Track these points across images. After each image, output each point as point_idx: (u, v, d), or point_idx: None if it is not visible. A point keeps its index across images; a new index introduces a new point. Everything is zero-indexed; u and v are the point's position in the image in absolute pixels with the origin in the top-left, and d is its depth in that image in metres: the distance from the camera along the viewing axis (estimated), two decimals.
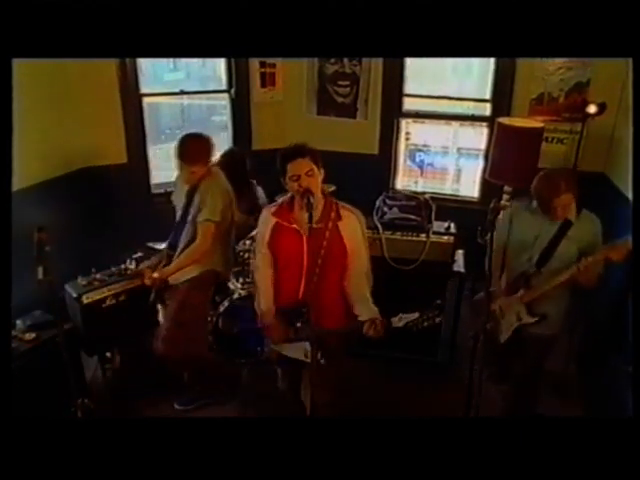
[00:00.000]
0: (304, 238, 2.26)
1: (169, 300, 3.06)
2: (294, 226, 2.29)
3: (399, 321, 2.18)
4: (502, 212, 2.69)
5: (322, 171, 2.24)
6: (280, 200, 2.42)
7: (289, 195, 2.35)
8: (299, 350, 2.30)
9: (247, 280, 3.49)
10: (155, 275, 2.90)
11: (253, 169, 3.72)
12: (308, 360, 2.20)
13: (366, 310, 2.28)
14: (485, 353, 2.28)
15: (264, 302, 2.44)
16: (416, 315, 2.17)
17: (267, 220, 2.38)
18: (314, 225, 2.14)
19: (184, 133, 2.96)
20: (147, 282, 2.91)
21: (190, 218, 2.89)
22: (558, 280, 2.46)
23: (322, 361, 2.26)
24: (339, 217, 2.30)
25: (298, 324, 2.33)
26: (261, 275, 2.45)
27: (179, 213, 3.00)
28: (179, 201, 3.01)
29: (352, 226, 2.32)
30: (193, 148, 2.81)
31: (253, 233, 3.20)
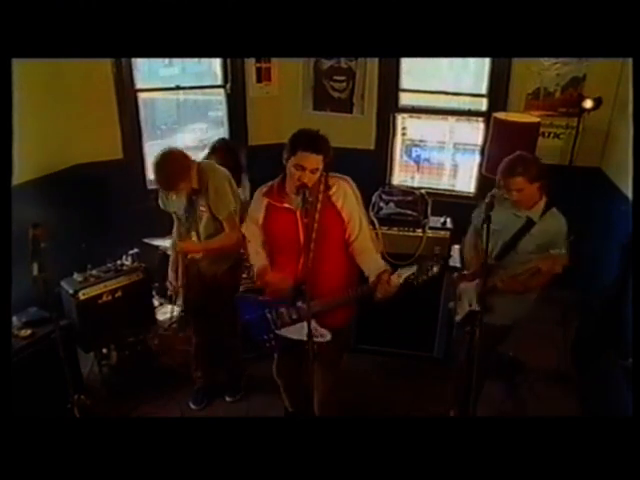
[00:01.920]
0: (297, 215, 2.25)
1: (210, 294, 2.99)
2: (286, 205, 2.29)
3: (398, 278, 2.16)
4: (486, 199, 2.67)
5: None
6: (270, 183, 2.39)
7: (280, 177, 2.34)
8: (302, 331, 2.24)
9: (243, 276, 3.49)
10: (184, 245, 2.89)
11: (247, 161, 3.70)
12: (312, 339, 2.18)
13: (374, 266, 2.26)
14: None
15: (259, 260, 2.43)
16: (414, 268, 2.15)
17: (259, 201, 2.38)
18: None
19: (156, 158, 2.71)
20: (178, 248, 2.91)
21: (202, 216, 2.82)
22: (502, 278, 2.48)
23: (328, 337, 2.27)
24: (328, 186, 2.27)
25: (299, 303, 2.32)
26: (252, 244, 2.47)
27: (182, 215, 2.91)
28: (176, 207, 2.92)
29: (343, 191, 2.29)
30: (171, 171, 2.64)
31: None
